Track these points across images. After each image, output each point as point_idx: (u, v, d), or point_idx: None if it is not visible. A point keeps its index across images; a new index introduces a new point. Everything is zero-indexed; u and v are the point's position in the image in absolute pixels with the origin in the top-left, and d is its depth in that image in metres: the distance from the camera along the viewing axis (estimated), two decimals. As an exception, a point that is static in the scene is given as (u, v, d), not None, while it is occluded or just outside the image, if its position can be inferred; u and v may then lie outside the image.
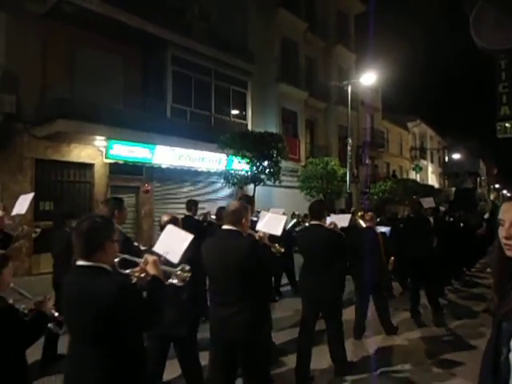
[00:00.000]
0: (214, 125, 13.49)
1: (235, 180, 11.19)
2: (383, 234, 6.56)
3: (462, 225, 10.22)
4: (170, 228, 2.60)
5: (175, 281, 2.24)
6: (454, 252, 8.35)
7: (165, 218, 3.44)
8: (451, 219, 9.54)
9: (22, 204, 3.71)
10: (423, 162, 35.21)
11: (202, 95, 13.19)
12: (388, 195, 18.29)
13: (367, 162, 23.87)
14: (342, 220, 4.73)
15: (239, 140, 10.53)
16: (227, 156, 11.30)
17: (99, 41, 10.82)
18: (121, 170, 11.15)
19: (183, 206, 12.43)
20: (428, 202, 8.23)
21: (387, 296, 6.35)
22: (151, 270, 2.07)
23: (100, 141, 10.47)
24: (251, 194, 11.37)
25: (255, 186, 11.10)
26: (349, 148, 16.01)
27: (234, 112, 14.61)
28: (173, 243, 2.41)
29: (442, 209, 10.56)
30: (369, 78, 16.50)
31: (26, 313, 2.27)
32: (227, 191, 13.63)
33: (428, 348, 5.09)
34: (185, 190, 13.13)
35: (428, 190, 21.60)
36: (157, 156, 11.46)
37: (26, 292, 2.46)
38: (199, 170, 12.96)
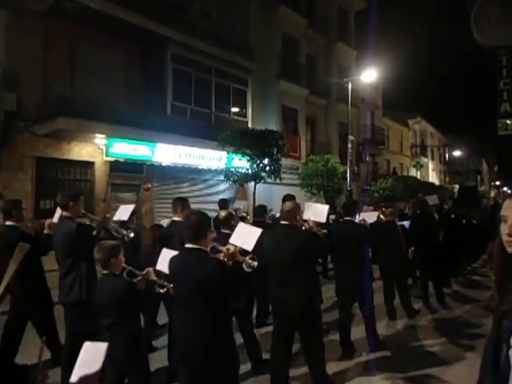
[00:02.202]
0: (215, 122, 13.48)
1: (236, 178, 11.19)
2: (403, 227, 6.97)
3: (464, 221, 10.38)
4: (241, 225, 3.21)
5: (245, 267, 2.81)
6: (457, 247, 8.63)
7: (222, 214, 4.24)
8: (452, 216, 9.74)
9: (124, 213, 4.53)
10: (424, 160, 35.14)
11: (202, 93, 13.17)
12: (389, 192, 18.27)
13: (368, 159, 23.85)
14: (370, 216, 5.59)
15: (239, 138, 10.52)
16: (228, 154, 11.30)
17: (100, 38, 10.80)
18: (121, 168, 11.15)
19: (184, 203, 12.53)
20: (432, 200, 8.64)
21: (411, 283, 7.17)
22: (232, 256, 2.66)
23: (100, 139, 10.47)
24: (251, 191, 11.38)
25: (256, 184, 11.10)
26: (349, 145, 15.99)
27: (235, 109, 14.59)
28: (246, 236, 2.98)
29: (446, 206, 10.74)
30: (369, 75, 16.45)
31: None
32: (228, 189, 13.64)
33: (429, 342, 5.12)
34: (185, 187, 13.14)
35: (429, 188, 21.58)
36: (157, 154, 11.47)
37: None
38: (200, 167, 12.96)
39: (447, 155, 41.67)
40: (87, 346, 1.66)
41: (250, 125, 14.37)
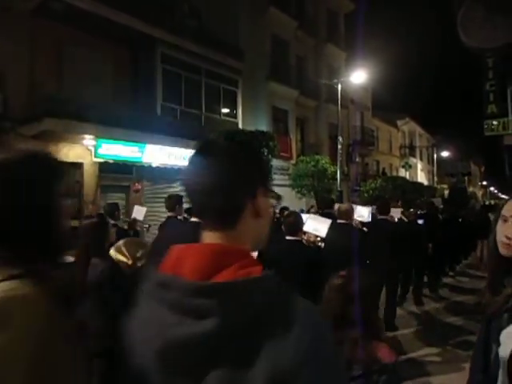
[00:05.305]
0: (205, 123, 13.42)
1: (226, 179, 11.15)
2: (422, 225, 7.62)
3: (460, 220, 10.86)
4: (312, 216, 4.12)
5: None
6: (453, 244, 9.25)
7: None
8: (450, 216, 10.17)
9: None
10: (412, 160, 35.51)
11: (192, 94, 13.12)
12: (378, 193, 18.38)
13: (357, 159, 24.01)
14: (394, 213, 6.45)
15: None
16: (218, 155, 11.25)
17: (88, 39, 10.67)
18: (110, 169, 11.02)
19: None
20: (438, 202, 10.06)
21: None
22: (313, 242, 3.68)
23: (89, 140, 10.33)
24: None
25: (246, 185, 11.08)
26: (339, 146, 16.08)
27: (225, 110, 14.55)
28: (318, 224, 3.77)
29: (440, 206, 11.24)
30: (359, 77, 16.58)
31: None
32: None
33: (421, 338, 5.16)
34: (175, 188, 13.03)
35: (417, 188, 21.77)
36: (147, 155, 11.37)
37: None
38: (190, 168, 12.88)
39: (435, 156, 42.19)
40: None
41: (240, 126, 14.35)
